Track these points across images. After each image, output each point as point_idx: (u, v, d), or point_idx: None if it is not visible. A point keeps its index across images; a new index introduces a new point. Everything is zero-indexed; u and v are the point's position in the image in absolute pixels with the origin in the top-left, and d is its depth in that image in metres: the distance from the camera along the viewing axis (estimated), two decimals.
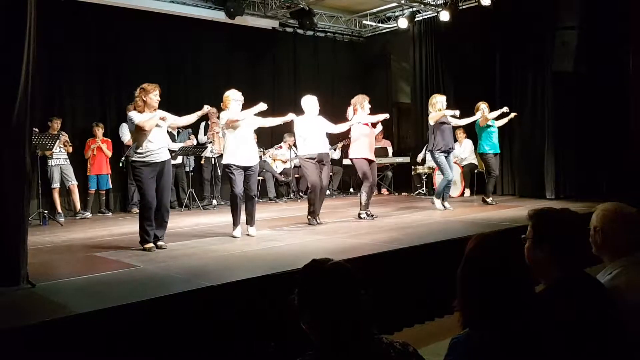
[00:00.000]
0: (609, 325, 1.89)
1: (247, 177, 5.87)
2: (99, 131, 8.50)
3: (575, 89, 8.33)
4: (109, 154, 8.60)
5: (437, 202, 7.71)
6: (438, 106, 7.61)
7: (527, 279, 1.74)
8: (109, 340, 3.09)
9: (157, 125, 5.24)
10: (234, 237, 5.78)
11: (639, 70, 7.67)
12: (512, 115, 8.30)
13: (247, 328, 3.55)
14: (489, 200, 8.16)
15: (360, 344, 1.52)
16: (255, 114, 5.90)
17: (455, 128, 9.93)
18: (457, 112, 7.82)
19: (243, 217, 5.91)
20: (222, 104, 5.97)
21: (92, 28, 8.71)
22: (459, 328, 1.71)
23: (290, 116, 6.32)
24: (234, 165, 5.78)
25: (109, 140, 8.64)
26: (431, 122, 7.65)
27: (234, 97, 5.88)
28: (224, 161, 5.88)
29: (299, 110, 6.83)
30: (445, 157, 7.68)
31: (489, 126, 8.08)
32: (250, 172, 5.88)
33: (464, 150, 9.96)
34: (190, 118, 5.71)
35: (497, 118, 8.22)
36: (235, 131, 5.82)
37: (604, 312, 1.90)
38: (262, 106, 5.84)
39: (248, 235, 5.86)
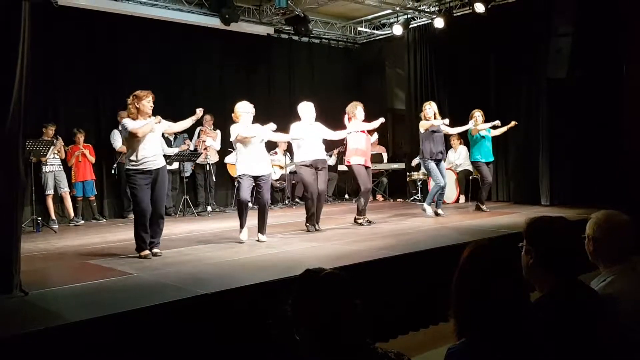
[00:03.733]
0: (601, 332, 1.89)
1: (258, 186, 5.97)
2: (81, 137, 8.42)
3: (569, 95, 8.35)
4: (92, 159, 8.54)
5: (428, 208, 7.66)
6: (427, 114, 7.60)
7: (521, 287, 1.73)
8: (103, 349, 3.06)
9: (151, 131, 5.21)
10: (240, 241, 5.90)
11: (633, 77, 7.71)
12: (512, 124, 8.23)
13: (242, 335, 3.54)
14: (484, 207, 8.14)
15: (354, 354, 1.51)
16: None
17: (449, 135, 10.01)
18: (447, 121, 7.80)
19: (250, 222, 6.01)
20: (233, 115, 6.04)
21: (87, 34, 8.70)
22: (454, 336, 1.71)
23: (270, 126, 6.13)
24: (246, 175, 5.90)
25: (90, 145, 8.56)
26: (421, 129, 7.68)
27: (244, 109, 5.96)
28: (238, 172, 5.99)
29: (294, 117, 6.83)
30: (437, 164, 7.66)
31: (482, 136, 8.06)
32: (263, 181, 5.97)
33: (459, 157, 9.96)
34: (185, 123, 5.67)
35: (493, 128, 8.20)
36: (246, 144, 5.92)
37: (597, 319, 1.90)
38: (272, 126, 6.05)
39: (258, 241, 5.92)
